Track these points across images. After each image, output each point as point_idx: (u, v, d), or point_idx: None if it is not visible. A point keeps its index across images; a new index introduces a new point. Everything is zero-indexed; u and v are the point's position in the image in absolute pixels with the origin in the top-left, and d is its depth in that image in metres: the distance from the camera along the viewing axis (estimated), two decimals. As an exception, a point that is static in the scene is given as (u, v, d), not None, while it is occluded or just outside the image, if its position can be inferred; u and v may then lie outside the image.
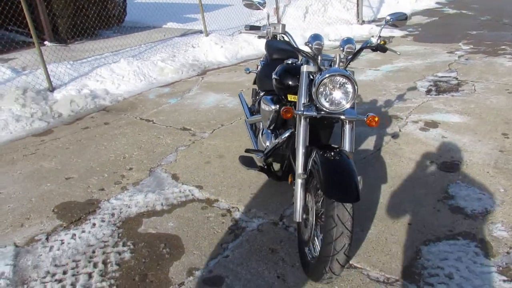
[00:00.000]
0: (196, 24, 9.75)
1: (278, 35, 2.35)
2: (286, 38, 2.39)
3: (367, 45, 2.38)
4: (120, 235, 2.64)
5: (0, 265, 2.43)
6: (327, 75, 2.03)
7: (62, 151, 3.99)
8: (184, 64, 6.81)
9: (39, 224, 2.83)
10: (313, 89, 2.07)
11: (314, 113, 2.14)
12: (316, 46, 2.20)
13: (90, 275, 2.31)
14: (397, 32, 8.61)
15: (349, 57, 2.23)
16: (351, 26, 8.80)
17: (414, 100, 4.63)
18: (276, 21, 10.04)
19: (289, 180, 2.51)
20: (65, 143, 4.19)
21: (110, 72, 6.20)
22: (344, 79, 2.04)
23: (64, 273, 2.34)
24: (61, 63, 6.37)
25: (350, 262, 2.27)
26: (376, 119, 2.15)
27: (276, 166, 2.92)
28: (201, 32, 8.42)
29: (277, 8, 9.92)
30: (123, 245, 2.54)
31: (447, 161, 3.26)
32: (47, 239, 2.66)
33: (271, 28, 2.33)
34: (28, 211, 2.99)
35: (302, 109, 2.17)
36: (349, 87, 2.06)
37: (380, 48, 2.38)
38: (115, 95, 5.67)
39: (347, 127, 2.20)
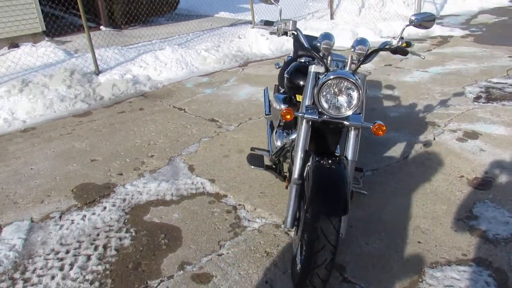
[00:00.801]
0: (248, 15, 9.72)
1: (288, 32, 2.24)
2: (298, 35, 2.26)
3: (385, 46, 2.21)
4: (125, 221, 2.70)
5: (14, 238, 2.59)
6: (330, 77, 1.92)
7: (95, 133, 4.17)
8: (227, 54, 6.82)
9: (56, 202, 2.97)
10: (315, 91, 1.97)
11: (315, 117, 2.03)
12: (324, 46, 2.09)
13: (89, 257, 2.38)
14: (457, 31, 8.03)
15: (360, 59, 2.08)
16: (406, 23, 8.29)
17: (458, 106, 4.29)
18: (329, 15, 9.78)
19: (286, 184, 2.42)
20: (99, 126, 4.36)
21: (154, 59, 6.36)
22: (348, 83, 1.91)
23: (67, 252, 2.44)
24: (111, 48, 6.64)
25: (345, 275, 2.15)
26: (384, 128, 1.99)
27: (286, 167, 2.84)
28: (250, 23, 8.38)
29: (331, 1, 9.63)
30: (126, 232, 2.60)
31: (479, 177, 2.98)
32: (60, 217, 2.79)
33: (282, 24, 2.24)
34: (50, 189, 3.15)
35: (304, 111, 2.06)
36: (353, 92, 1.93)
37: (401, 50, 2.19)
38: (155, 82, 5.81)
39: (351, 134, 2.06)
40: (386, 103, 4.51)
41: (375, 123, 2.01)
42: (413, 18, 2.22)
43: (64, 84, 5.28)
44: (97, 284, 2.19)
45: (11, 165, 3.59)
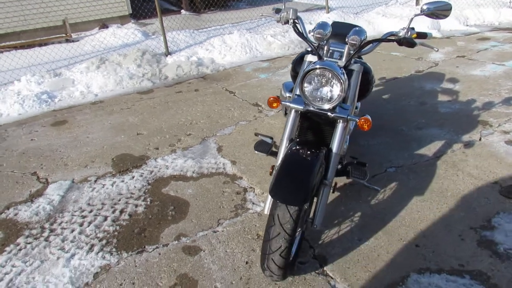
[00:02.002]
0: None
1: (290, 20, 2.24)
2: (297, 24, 2.25)
3: (388, 36, 2.09)
4: (146, 190, 2.97)
5: (54, 194, 3.01)
6: (313, 67, 1.90)
7: (149, 110, 4.54)
8: (293, 40, 6.81)
9: (97, 168, 3.36)
10: (298, 80, 1.97)
11: (300, 107, 2.03)
12: (317, 35, 2.06)
13: (105, 218, 2.69)
14: None
15: (355, 50, 2.01)
16: (499, 10, 7.42)
17: (525, 107, 3.82)
18: (415, 1, 9.13)
19: (270, 171, 2.44)
20: (155, 103, 4.74)
21: (221, 42, 6.61)
22: (330, 74, 1.88)
23: (90, 211, 2.78)
24: (184, 31, 7.04)
25: (324, 268, 2.14)
26: (369, 122, 1.93)
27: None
28: (324, 8, 8.21)
29: (418, -13, 8.96)
30: (143, 200, 2.86)
31: (516, 186, 2.68)
32: (95, 181, 3.16)
33: (285, 12, 2.25)
34: (96, 156, 3.56)
35: (291, 100, 2.07)
36: (335, 83, 1.89)
37: (406, 42, 2.06)
38: (218, 65, 6.06)
39: (339, 126, 2.03)
40: (441, 97, 4.17)
41: (362, 116, 1.95)
42: (425, 7, 2.07)
43: (135, 63, 5.78)
44: (104, 242, 2.47)
45: (73, 132, 4.11)
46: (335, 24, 3.44)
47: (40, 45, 6.84)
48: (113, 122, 4.28)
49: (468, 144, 3.22)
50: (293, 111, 2.09)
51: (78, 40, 7.13)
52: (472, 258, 2.14)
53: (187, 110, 4.44)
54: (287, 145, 2.08)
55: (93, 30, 7.68)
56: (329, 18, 7.45)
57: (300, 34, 2.19)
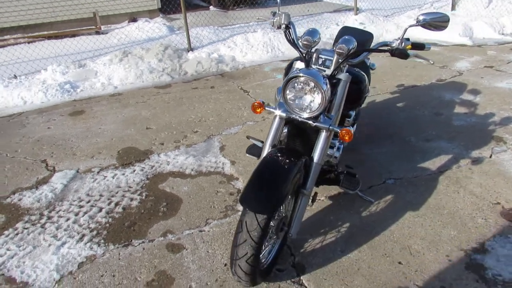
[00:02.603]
0: (360, 1, 9.31)
1: (282, 26, 2.22)
2: (289, 30, 2.22)
3: (380, 46, 2.03)
4: (143, 185, 3.03)
5: (58, 182, 3.13)
6: (294, 74, 1.88)
7: (163, 105, 4.62)
8: (317, 41, 6.71)
9: (102, 159, 3.46)
10: (282, 87, 1.95)
11: (283, 114, 2.02)
12: (304, 42, 2.03)
13: (100, 210, 2.77)
14: None
15: (342, 59, 1.97)
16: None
17: (547, 124, 3.61)
18: (451, 6, 8.81)
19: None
20: (170, 98, 4.82)
21: (244, 40, 6.62)
22: (311, 83, 1.85)
23: (88, 202, 2.87)
24: (208, 27, 7.11)
25: (301, 277, 2.12)
26: (350, 134, 1.89)
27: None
28: (352, 9, 8.06)
29: (455, -10, 8.63)
30: (139, 194, 2.92)
31: (520, 209, 2.55)
32: (98, 172, 3.25)
33: (278, 17, 2.23)
34: (104, 147, 3.67)
35: (275, 106, 2.06)
36: (315, 92, 1.86)
37: (399, 53, 2.00)
38: (238, 63, 6.08)
39: (321, 136, 2.00)
40: (459, 109, 4.01)
41: (342, 127, 1.91)
42: (420, 17, 2.00)
43: (157, 57, 5.89)
44: (94, 232, 2.55)
45: (87, 122, 4.25)
46: (345, 29, 3.38)
47: (71, 36, 7.09)
48: (126, 115, 4.39)
49: (477, 161, 3.09)
50: (277, 117, 2.07)
51: (107, 33, 7.34)
52: (456, 281, 2.06)
53: (198, 107, 4.49)
54: (268, 150, 2.06)
55: (122, 23, 7.88)
56: (356, 20, 7.30)
57: (290, 40, 2.16)
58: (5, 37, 6.85)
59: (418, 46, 2.07)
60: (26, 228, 2.62)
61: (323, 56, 2.08)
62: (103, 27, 7.52)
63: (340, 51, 1.96)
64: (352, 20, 7.26)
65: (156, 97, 4.88)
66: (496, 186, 2.77)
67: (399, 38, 2.03)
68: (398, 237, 2.37)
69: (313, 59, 2.09)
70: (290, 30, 2.20)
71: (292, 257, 2.26)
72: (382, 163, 3.12)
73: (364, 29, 6.87)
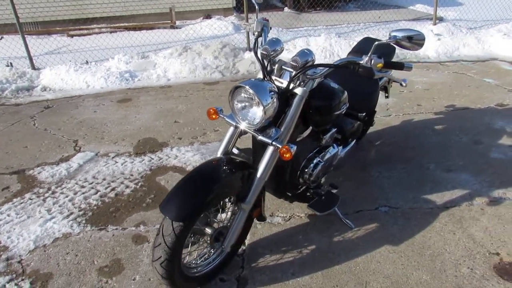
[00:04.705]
0: (449, 10, 8.58)
1: (255, 33, 2.16)
2: (260, 38, 2.16)
3: (344, 62, 1.88)
4: (143, 175, 3.19)
5: (75, 161, 3.44)
6: (237, 84, 1.83)
7: (200, 101, 4.78)
8: (381, 50, 6.34)
9: (122, 146, 3.71)
10: (229, 97, 1.91)
11: (232, 122, 1.98)
12: (262, 52, 1.97)
13: (96, 192, 2.99)
14: None
15: (296, 72, 1.87)
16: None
17: None
18: None
19: None
20: (210, 95, 4.96)
21: (304, 44, 6.53)
22: (251, 95, 1.79)
23: (90, 183, 3.11)
24: (274, 28, 7.12)
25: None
26: (289, 154, 1.79)
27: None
28: (431, 19, 7.43)
29: None
30: (135, 183, 3.08)
31: (523, 265, 2.17)
32: (112, 158, 3.50)
33: (255, 23, 2.18)
34: (128, 135, 3.93)
35: (228, 114, 2.03)
36: (255, 105, 1.80)
37: (365, 71, 1.83)
38: (291, 66, 6.01)
39: (268, 150, 1.92)
40: (505, 140, 3.50)
41: (283, 145, 1.82)
42: (394, 34, 1.80)
43: (213, 55, 6.10)
44: (81, 212, 2.76)
45: (128, 110, 4.57)
46: (366, 40, 3.17)
47: (148, 29, 7.64)
48: (164, 107, 4.62)
49: (495, 201, 2.68)
50: (231, 126, 2.04)
51: (180, 28, 7.77)
52: (400, 331, 1.83)
53: (232, 106, 4.54)
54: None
55: (197, 20, 8.27)
56: (432, 31, 6.72)
57: (255, 49, 2.10)
58: (92, 26, 7.64)
59: (395, 65, 1.87)
60: (31, 199, 2.93)
61: (285, 68, 1.99)
62: (178, 23, 7.98)
63: (294, 63, 1.86)
64: (427, 31, 6.70)
65: (198, 93, 5.06)
66: (504, 234, 2.38)
67: (368, 55, 1.85)
68: (360, 270, 2.17)
69: (275, 70, 2.01)
70: (261, 38, 2.14)
71: (241, 269, 2.21)
72: (384, 188, 2.87)
73: (440, 41, 6.31)
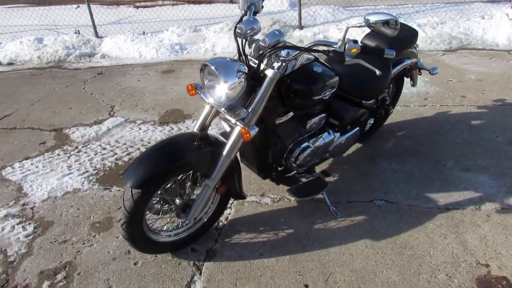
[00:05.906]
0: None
1: (241, 11, 2.16)
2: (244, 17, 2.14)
3: (315, 45, 1.81)
4: (159, 144, 3.37)
5: (106, 125, 3.72)
6: (206, 62, 1.87)
7: (238, 77, 4.84)
8: (441, 34, 5.87)
9: (150, 114, 3.93)
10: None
11: (205, 99, 2.02)
12: (237, 30, 1.97)
13: (114, 154, 3.23)
14: None
15: (265, 53, 1.85)
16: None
17: None
18: None
19: None
20: (249, 72, 4.99)
21: (359, 24, 6.22)
22: (216, 72, 1.81)
23: (111, 146, 3.36)
24: (329, 6, 6.88)
25: (205, 263, 2.15)
26: (247, 135, 1.81)
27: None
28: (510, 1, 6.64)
29: None
30: (149, 150, 3.27)
31: (508, 279, 1.98)
32: (138, 125, 3.73)
33: (241, 1, 2.18)
34: (160, 105, 4.14)
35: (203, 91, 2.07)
36: (220, 84, 1.82)
37: (335, 55, 1.76)
38: (340, 47, 5.80)
39: (235, 129, 1.94)
40: (550, 143, 3.11)
41: (244, 125, 1.83)
42: (367, 17, 1.70)
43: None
44: (95, 172, 3.01)
45: (168, 81, 4.79)
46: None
47: (208, 2, 7.80)
48: (198, 80, 4.75)
49: (506, 209, 2.43)
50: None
51: (238, 2, 7.80)
52: (346, 326, 1.80)
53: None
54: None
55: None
56: (508, 15, 6.00)
57: (234, 29, 2.09)
58: (157, -2, 7.99)
59: (373, 51, 1.78)
60: (59, 155, 3.26)
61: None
62: (239, -3, 8.00)
63: (262, 44, 1.84)
64: (501, 14, 6.02)
65: (239, 69, 5.11)
66: (503, 245, 2.17)
67: (341, 39, 1.77)
68: (329, 260, 2.14)
69: (252, 50, 2.00)
70: (246, 17, 2.12)
71: (214, 242, 2.29)
72: (387, 182, 2.74)
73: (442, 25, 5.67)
